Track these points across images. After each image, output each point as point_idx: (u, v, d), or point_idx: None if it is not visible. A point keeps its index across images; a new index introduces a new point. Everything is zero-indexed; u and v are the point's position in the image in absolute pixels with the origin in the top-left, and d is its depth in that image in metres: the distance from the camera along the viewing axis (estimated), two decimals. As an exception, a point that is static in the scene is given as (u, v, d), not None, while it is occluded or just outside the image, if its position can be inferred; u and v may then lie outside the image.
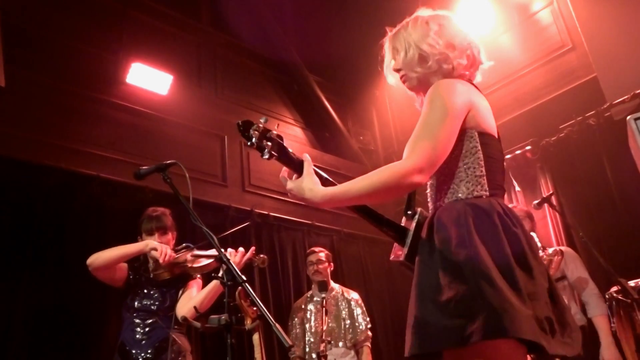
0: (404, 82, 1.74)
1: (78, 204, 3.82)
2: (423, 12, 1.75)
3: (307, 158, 1.51)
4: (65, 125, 4.04)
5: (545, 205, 3.54)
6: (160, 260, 2.70)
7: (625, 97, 4.19)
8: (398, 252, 1.58)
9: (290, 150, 1.54)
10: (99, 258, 2.78)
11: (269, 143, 1.44)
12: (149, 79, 4.64)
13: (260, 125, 1.45)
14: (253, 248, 2.86)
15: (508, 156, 5.06)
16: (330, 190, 1.45)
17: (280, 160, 1.50)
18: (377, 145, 6.84)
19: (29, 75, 3.93)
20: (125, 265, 2.93)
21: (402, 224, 1.62)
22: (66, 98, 4.12)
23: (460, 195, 1.52)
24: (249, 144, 1.44)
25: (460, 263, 1.37)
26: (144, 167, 2.37)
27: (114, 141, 4.27)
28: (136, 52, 4.67)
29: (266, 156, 1.45)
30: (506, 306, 1.28)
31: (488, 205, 1.48)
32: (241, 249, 2.80)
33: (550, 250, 3.31)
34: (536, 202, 3.50)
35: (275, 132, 1.47)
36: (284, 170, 1.55)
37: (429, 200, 1.67)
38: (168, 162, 2.33)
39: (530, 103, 5.04)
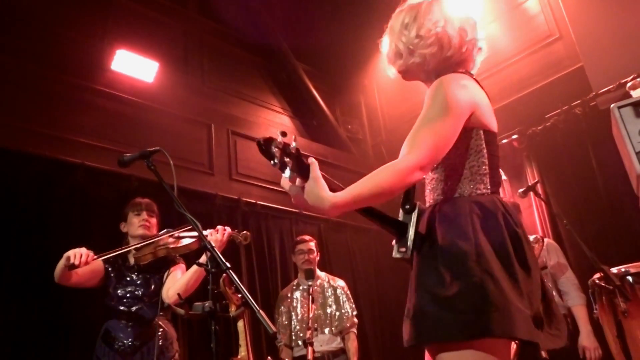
0: (403, 71, 1.69)
1: (62, 192, 3.78)
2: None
3: (313, 162, 1.40)
4: (49, 113, 3.98)
5: (531, 193, 3.57)
6: (76, 263, 2.59)
7: (611, 86, 4.21)
8: (402, 249, 1.52)
9: (304, 158, 1.42)
10: (55, 274, 2.72)
11: (289, 160, 1.33)
12: (134, 66, 4.59)
13: (281, 141, 1.31)
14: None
15: (495, 145, 5.08)
16: (339, 197, 1.35)
17: (296, 174, 1.37)
18: (365, 134, 6.84)
19: (11, 61, 3.87)
20: (98, 263, 2.86)
21: (400, 219, 1.58)
22: (50, 85, 4.07)
23: (463, 192, 1.53)
24: (272, 163, 1.32)
25: (463, 257, 1.38)
26: (127, 154, 2.34)
27: (99, 129, 4.22)
28: (121, 39, 4.61)
29: (287, 175, 1.34)
30: (508, 306, 1.31)
31: (492, 204, 1.49)
32: (223, 227, 2.81)
33: (531, 238, 3.35)
34: (521, 190, 3.52)
35: (294, 146, 1.34)
36: (285, 176, 1.41)
37: (427, 192, 1.65)
38: (152, 149, 2.30)
39: (517, 92, 5.06)
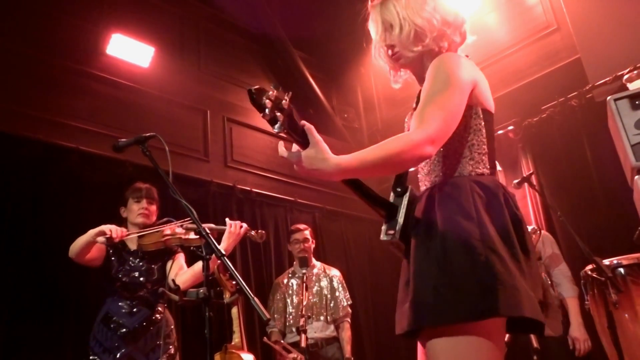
0: (397, 59, 1.65)
1: (56, 176, 3.77)
2: None
3: (309, 126, 1.34)
4: (44, 97, 3.95)
5: (525, 184, 3.58)
6: (114, 236, 2.69)
7: (607, 78, 4.21)
8: (390, 232, 1.48)
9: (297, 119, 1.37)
10: (72, 249, 2.78)
11: (281, 114, 1.26)
12: (130, 50, 4.55)
13: (273, 93, 1.25)
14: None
15: (490, 136, 5.08)
16: (344, 159, 1.31)
17: (289, 134, 1.31)
18: (361, 123, 6.83)
19: (6, 44, 3.83)
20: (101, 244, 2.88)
21: (392, 201, 1.54)
22: (45, 68, 4.03)
23: (463, 172, 1.49)
24: (261, 114, 1.26)
25: (467, 236, 1.34)
26: (122, 140, 2.34)
27: (94, 113, 4.19)
28: (117, 23, 4.57)
29: (278, 130, 1.27)
30: (515, 284, 1.28)
31: (493, 184, 1.47)
32: (240, 223, 2.88)
33: (529, 228, 3.37)
34: (516, 181, 3.53)
35: (286, 101, 1.28)
36: (282, 143, 1.38)
37: (422, 175, 1.62)
38: (147, 134, 2.29)
39: (514, 83, 5.06)
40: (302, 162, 1.33)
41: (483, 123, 1.52)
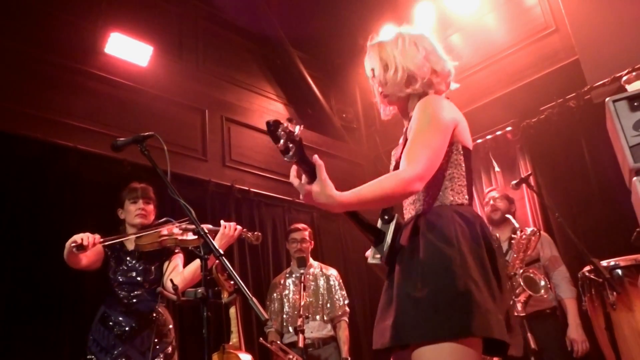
0: (385, 95, 1.84)
1: (54, 175, 3.76)
2: (407, 30, 1.84)
3: (318, 161, 1.49)
4: (42, 95, 3.94)
5: (524, 185, 3.58)
6: (84, 244, 2.62)
7: (606, 80, 4.22)
8: (377, 256, 1.66)
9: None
10: (65, 258, 2.73)
11: (293, 145, 1.42)
12: (128, 49, 4.53)
13: (287, 127, 1.41)
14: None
15: (489, 137, 5.10)
16: (345, 196, 1.47)
17: (297, 163, 1.47)
18: (359, 123, 6.83)
19: (4, 42, 3.81)
20: (99, 246, 2.86)
21: (379, 227, 1.70)
22: (43, 67, 4.02)
23: (445, 201, 1.66)
24: (277, 145, 1.42)
25: (448, 262, 1.49)
26: (121, 139, 2.33)
27: (92, 112, 4.18)
28: (115, 22, 4.56)
29: (288, 159, 1.44)
30: (488, 309, 1.44)
31: (471, 215, 1.63)
32: (234, 224, 2.87)
33: (528, 230, 3.38)
34: (514, 182, 3.53)
35: (298, 134, 1.43)
36: (294, 172, 1.53)
37: (407, 204, 1.77)
38: (146, 134, 2.29)
39: (513, 84, 5.06)
40: (311, 194, 1.48)
41: (462, 158, 1.69)
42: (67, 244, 2.67)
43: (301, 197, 1.51)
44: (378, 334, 1.56)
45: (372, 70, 1.87)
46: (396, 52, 1.79)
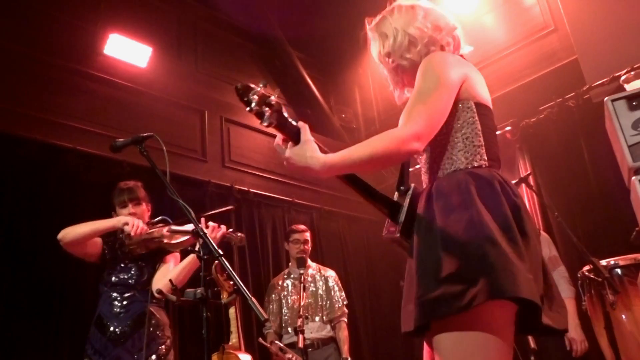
0: (395, 67, 1.73)
1: (53, 176, 3.76)
2: (404, 1, 1.75)
3: (303, 124, 1.43)
4: (41, 96, 3.95)
5: (523, 185, 3.58)
6: (132, 233, 2.66)
7: (605, 79, 4.22)
8: (391, 229, 1.52)
9: (287, 116, 1.45)
10: (70, 233, 2.73)
11: (268, 109, 1.35)
12: (127, 50, 4.54)
13: (260, 90, 1.35)
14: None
15: (488, 136, 5.09)
16: (330, 157, 1.38)
17: (278, 128, 1.40)
18: (359, 123, 6.83)
19: (3, 43, 3.82)
20: (99, 240, 2.88)
21: (395, 200, 1.57)
22: (42, 68, 4.03)
23: (459, 165, 1.51)
24: (247, 109, 1.36)
25: (462, 227, 1.36)
26: (120, 140, 2.33)
27: (91, 113, 4.19)
28: (114, 23, 4.56)
29: (265, 123, 1.35)
30: (509, 266, 1.28)
31: (488, 174, 1.48)
32: (217, 225, 2.81)
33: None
34: (513, 182, 3.52)
35: (275, 97, 1.37)
36: (279, 138, 1.46)
37: (423, 173, 1.65)
38: (145, 134, 2.29)
39: (512, 84, 5.06)
40: (291, 158, 1.40)
41: (476, 116, 1.54)
42: (109, 222, 2.71)
43: (284, 163, 1.42)
44: (404, 318, 1.43)
45: (379, 52, 1.75)
46: (393, 19, 1.71)
